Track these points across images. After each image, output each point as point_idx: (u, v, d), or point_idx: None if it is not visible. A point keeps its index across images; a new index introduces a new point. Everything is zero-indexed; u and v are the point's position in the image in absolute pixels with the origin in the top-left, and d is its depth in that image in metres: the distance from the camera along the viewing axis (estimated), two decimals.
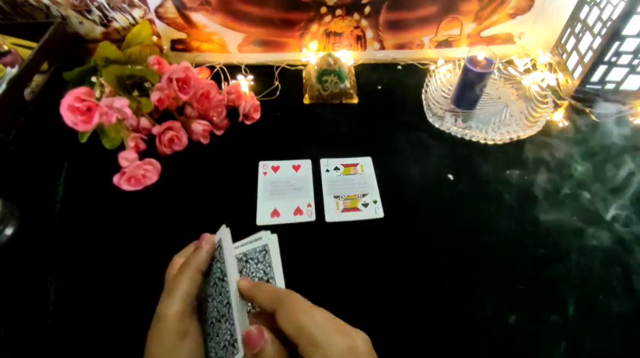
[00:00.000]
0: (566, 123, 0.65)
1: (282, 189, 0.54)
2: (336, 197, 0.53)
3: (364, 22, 0.73)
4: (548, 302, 0.44)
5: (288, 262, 0.46)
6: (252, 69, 0.74)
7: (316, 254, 0.48)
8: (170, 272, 0.36)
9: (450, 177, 0.57)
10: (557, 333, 0.42)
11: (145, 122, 0.56)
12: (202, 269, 0.34)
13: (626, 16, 0.58)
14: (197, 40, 0.74)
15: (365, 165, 0.58)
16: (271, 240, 0.41)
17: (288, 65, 0.76)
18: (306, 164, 0.58)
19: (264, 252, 0.39)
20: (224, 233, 0.38)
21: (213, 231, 0.43)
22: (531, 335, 0.42)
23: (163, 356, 0.29)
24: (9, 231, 0.48)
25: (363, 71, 0.75)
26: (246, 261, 0.38)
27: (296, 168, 0.57)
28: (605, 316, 0.43)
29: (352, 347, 0.25)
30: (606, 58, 0.63)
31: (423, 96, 0.66)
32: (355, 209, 0.52)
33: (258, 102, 0.64)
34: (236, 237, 0.42)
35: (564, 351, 0.40)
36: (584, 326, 0.42)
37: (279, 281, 0.38)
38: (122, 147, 0.55)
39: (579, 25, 0.69)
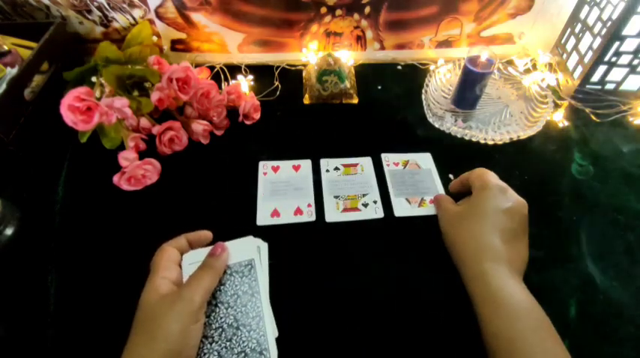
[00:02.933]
0: (566, 123, 0.65)
1: (282, 189, 0.54)
2: (336, 197, 0.53)
3: (364, 22, 0.73)
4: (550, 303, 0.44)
5: (289, 262, 0.47)
6: (252, 69, 0.74)
7: (316, 254, 0.48)
8: (158, 259, 0.37)
9: (451, 177, 0.57)
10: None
11: (145, 122, 0.56)
12: (222, 273, 0.38)
13: (626, 16, 0.58)
14: (197, 40, 0.74)
15: (365, 165, 0.58)
16: (262, 251, 0.42)
17: (288, 65, 0.76)
18: (306, 164, 0.58)
19: (249, 266, 0.40)
20: (262, 251, 0.41)
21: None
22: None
23: (179, 333, 0.32)
24: (9, 231, 0.48)
25: (363, 71, 0.75)
26: (230, 275, 0.39)
27: (296, 168, 0.57)
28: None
29: (509, 207, 0.43)
30: (606, 58, 0.63)
31: (423, 97, 0.66)
32: (355, 209, 0.52)
33: (258, 102, 0.64)
34: (237, 238, 0.42)
35: None
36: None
37: (264, 296, 0.39)
38: (122, 147, 0.55)
39: (579, 25, 0.69)
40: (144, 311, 0.33)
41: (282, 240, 0.49)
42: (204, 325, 0.36)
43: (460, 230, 0.44)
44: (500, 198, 0.43)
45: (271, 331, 0.37)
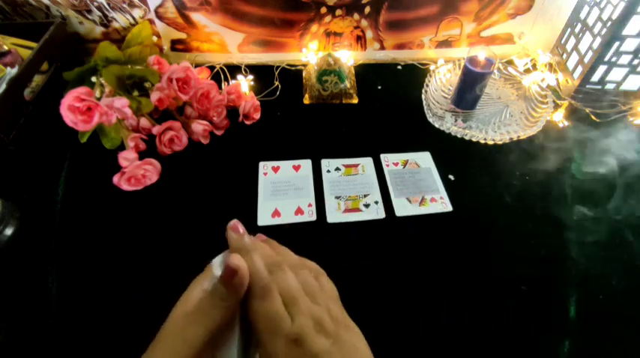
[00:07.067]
0: (566, 123, 0.65)
1: (283, 189, 0.54)
2: (338, 197, 0.53)
3: (364, 22, 0.73)
4: (550, 302, 0.44)
5: None
6: (252, 69, 0.74)
7: (317, 254, 0.48)
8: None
9: (451, 177, 0.57)
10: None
11: (145, 122, 0.56)
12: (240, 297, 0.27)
13: (626, 16, 0.58)
14: (197, 40, 0.74)
15: (366, 165, 0.58)
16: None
17: (288, 65, 0.76)
18: (306, 164, 0.58)
19: None
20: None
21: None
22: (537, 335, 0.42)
23: None
24: (9, 231, 0.48)
25: (363, 71, 0.75)
26: None
27: (296, 168, 0.57)
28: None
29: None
30: (606, 58, 0.63)
31: (423, 96, 0.66)
32: (356, 209, 0.52)
33: (258, 102, 0.64)
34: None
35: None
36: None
37: None
38: (122, 147, 0.54)
39: (579, 25, 0.69)
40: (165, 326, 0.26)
41: (283, 241, 0.49)
42: None
43: None
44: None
45: None
